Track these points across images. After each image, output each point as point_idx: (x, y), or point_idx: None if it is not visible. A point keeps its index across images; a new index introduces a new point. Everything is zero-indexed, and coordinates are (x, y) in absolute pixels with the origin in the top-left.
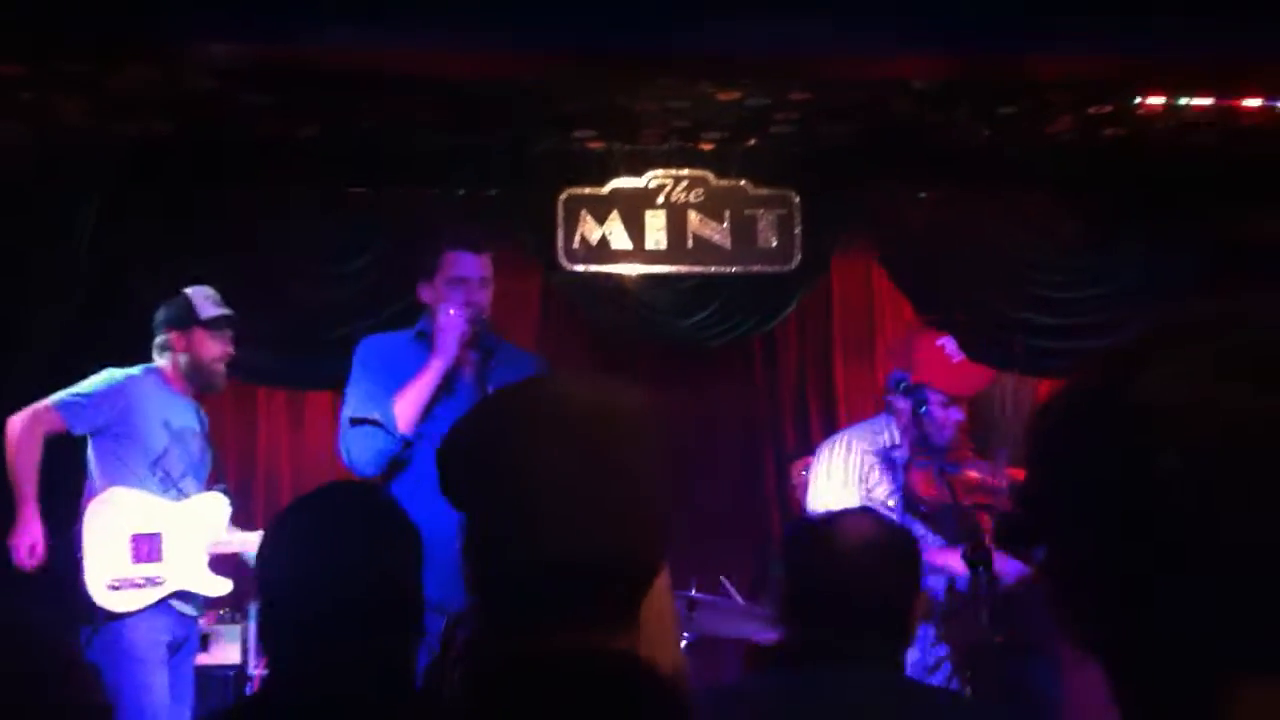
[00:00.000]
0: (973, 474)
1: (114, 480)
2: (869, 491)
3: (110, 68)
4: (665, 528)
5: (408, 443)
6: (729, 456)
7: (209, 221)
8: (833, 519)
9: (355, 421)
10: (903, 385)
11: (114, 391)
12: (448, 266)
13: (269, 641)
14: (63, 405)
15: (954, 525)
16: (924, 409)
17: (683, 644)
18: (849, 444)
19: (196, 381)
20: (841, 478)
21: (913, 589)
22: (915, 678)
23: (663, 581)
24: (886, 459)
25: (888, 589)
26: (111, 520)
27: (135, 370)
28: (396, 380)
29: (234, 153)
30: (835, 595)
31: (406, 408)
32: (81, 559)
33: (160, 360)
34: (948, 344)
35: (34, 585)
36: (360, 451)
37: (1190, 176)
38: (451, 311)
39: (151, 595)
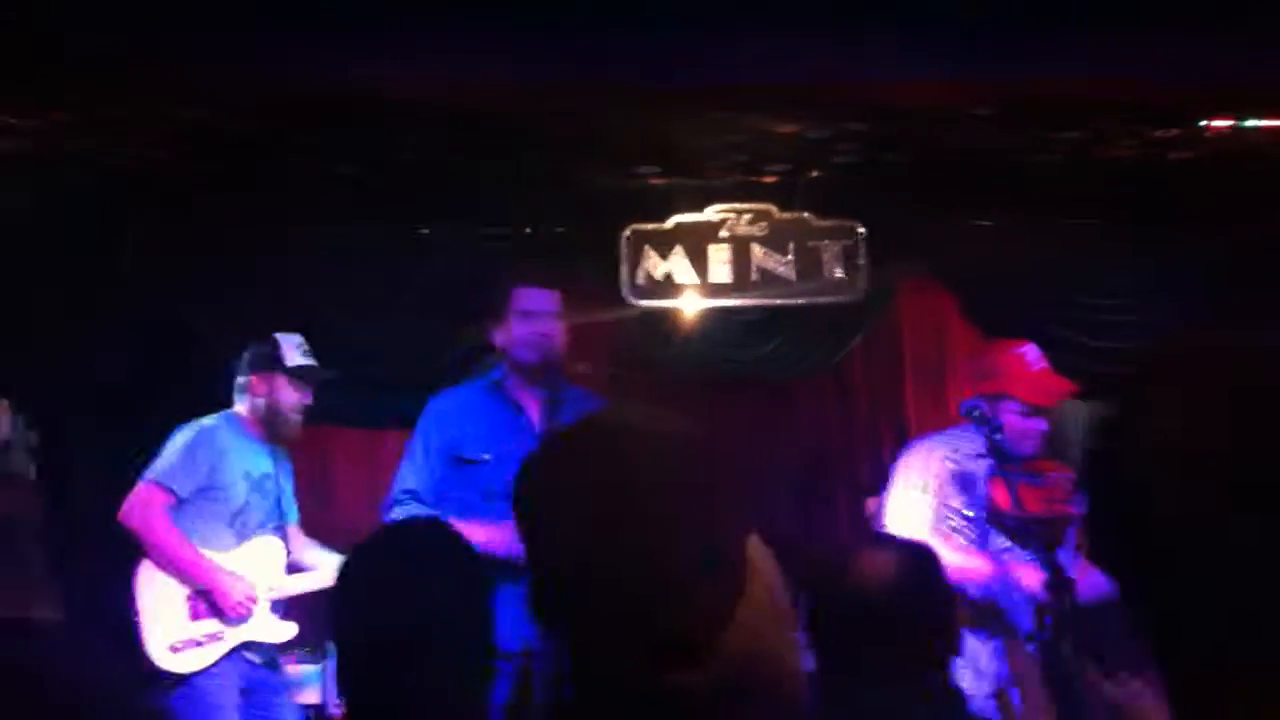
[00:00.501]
0: (1058, 484)
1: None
2: (946, 500)
3: (160, 108)
4: (729, 564)
5: None
6: (801, 491)
7: (264, 259)
8: (851, 557)
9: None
10: (976, 413)
11: (200, 448)
12: (516, 301)
13: (344, 682)
14: (163, 476)
15: (1039, 538)
16: (998, 435)
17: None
18: (930, 450)
19: (271, 428)
20: (920, 483)
21: (944, 613)
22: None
23: (755, 608)
24: (967, 469)
25: (917, 620)
26: (165, 580)
27: (210, 420)
28: (459, 443)
29: (289, 191)
30: (864, 636)
31: None
32: (138, 624)
33: (239, 404)
34: (1028, 352)
35: (96, 650)
36: None
37: (1255, 201)
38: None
39: (214, 652)
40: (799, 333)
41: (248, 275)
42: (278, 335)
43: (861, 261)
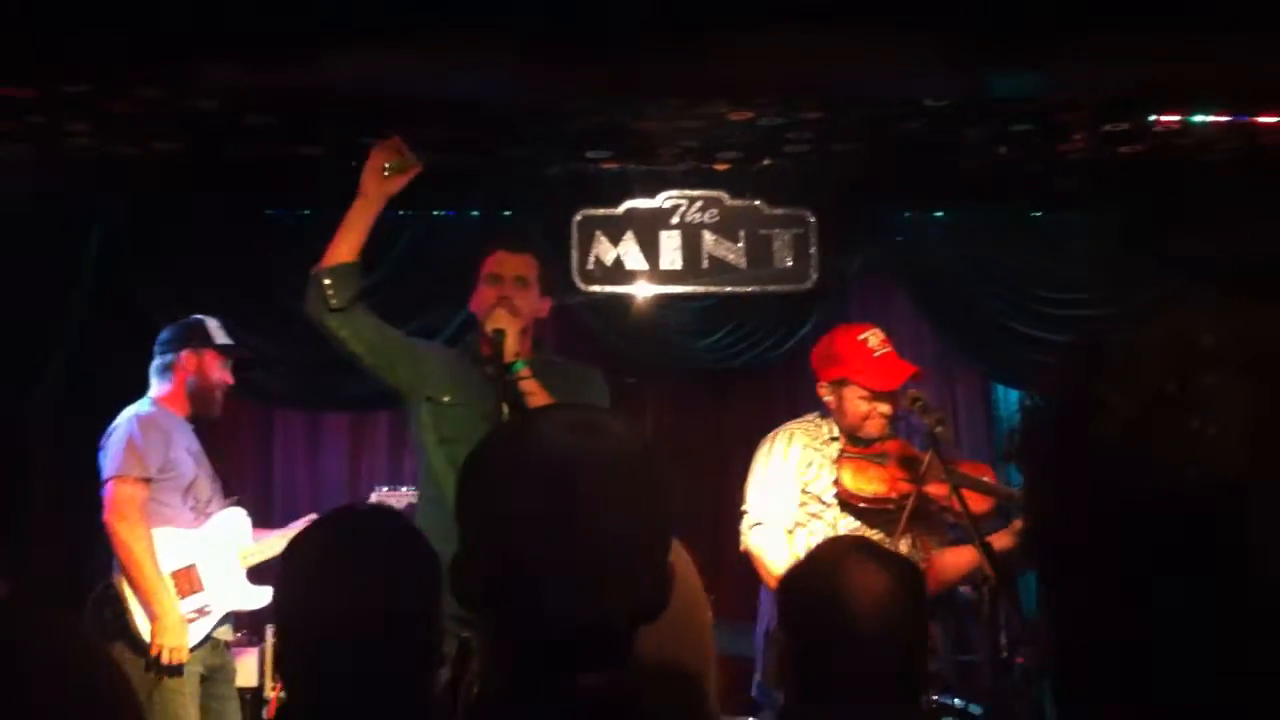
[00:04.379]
0: (903, 466)
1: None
2: (806, 484)
3: (115, 90)
4: (657, 574)
5: None
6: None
7: (217, 243)
8: (833, 568)
9: None
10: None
11: (152, 430)
12: (486, 265)
13: (286, 668)
14: (133, 468)
15: (884, 520)
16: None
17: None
18: (791, 435)
19: (198, 404)
20: (781, 463)
21: (923, 631)
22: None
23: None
24: (818, 453)
25: (901, 640)
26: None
27: (143, 406)
28: (425, 380)
29: (241, 174)
30: (847, 655)
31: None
32: (127, 611)
33: (163, 385)
34: (871, 338)
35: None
36: None
37: (1206, 193)
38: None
39: (206, 625)
40: (749, 321)
41: (210, 259)
42: (200, 316)
43: (813, 250)
